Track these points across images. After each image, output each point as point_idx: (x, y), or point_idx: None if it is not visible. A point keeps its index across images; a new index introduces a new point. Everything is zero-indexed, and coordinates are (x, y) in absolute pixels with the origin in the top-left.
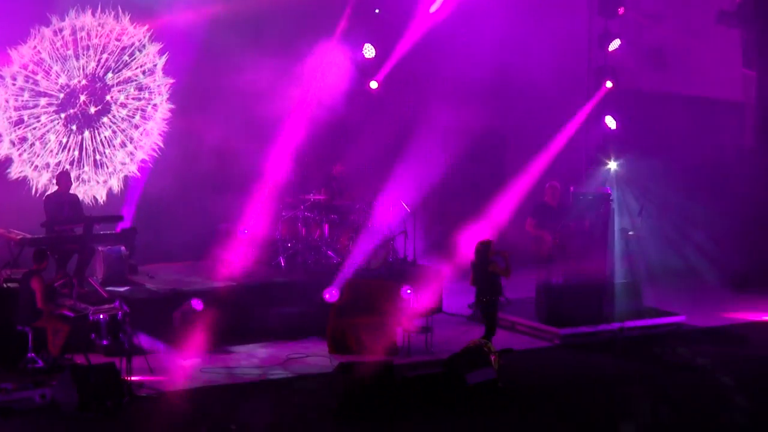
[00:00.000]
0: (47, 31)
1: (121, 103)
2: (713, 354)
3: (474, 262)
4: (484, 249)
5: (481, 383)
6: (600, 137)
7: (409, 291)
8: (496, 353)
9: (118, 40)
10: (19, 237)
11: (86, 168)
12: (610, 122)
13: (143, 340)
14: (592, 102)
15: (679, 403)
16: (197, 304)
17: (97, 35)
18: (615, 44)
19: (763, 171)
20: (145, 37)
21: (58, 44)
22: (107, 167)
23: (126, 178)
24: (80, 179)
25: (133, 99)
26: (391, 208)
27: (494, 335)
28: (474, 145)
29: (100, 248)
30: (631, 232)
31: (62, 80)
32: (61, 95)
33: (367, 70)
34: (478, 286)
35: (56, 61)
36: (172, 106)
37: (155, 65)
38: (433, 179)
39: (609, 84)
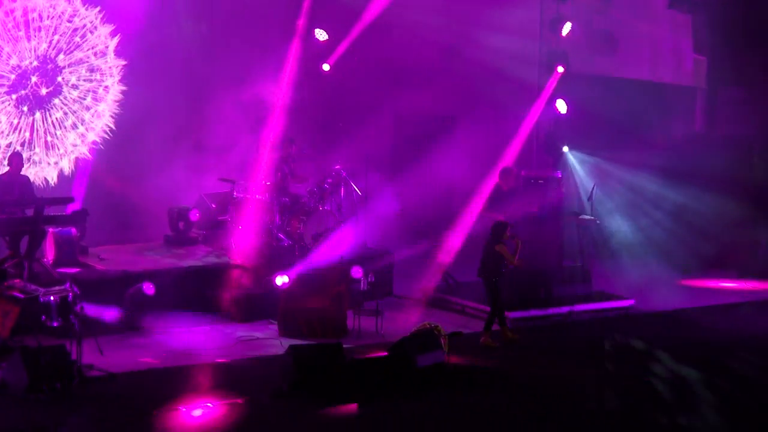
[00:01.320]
0: None
1: (73, 85)
2: (657, 338)
3: (487, 239)
4: (499, 228)
5: (431, 366)
6: (551, 121)
7: (359, 274)
8: (446, 336)
9: (69, 21)
10: None
11: (37, 149)
12: (561, 106)
13: (89, 310)
14: (546, 86)
15: (620, 386)
16: (148, 288)
17: (48, 16)
18: (567, 28)
19: (713, 154)
20: (96, 18)
21: (10, 25)
22: (58, 149)
23: (77, 159)
24: (31, 161)
25: (84, 80)
26: (343, 192)
27: (503, 314)
28: (426, 128)
29: (50, 230)
30: (581, 216)
31: (13, 61)
32: (12, 76)
33: (320, 53)
34: (482, 263)
35: (7, 42)
36: (124, 88)
37: (107, 47)
38: (384, 162)
39: (560, 69)
